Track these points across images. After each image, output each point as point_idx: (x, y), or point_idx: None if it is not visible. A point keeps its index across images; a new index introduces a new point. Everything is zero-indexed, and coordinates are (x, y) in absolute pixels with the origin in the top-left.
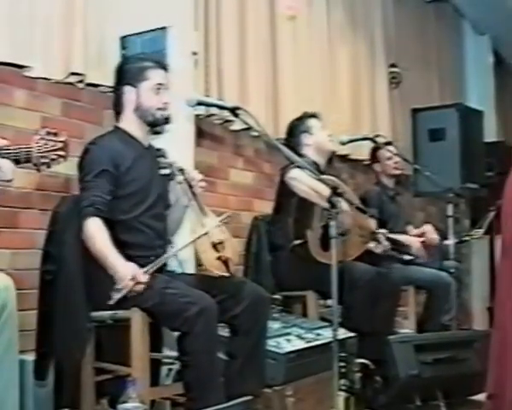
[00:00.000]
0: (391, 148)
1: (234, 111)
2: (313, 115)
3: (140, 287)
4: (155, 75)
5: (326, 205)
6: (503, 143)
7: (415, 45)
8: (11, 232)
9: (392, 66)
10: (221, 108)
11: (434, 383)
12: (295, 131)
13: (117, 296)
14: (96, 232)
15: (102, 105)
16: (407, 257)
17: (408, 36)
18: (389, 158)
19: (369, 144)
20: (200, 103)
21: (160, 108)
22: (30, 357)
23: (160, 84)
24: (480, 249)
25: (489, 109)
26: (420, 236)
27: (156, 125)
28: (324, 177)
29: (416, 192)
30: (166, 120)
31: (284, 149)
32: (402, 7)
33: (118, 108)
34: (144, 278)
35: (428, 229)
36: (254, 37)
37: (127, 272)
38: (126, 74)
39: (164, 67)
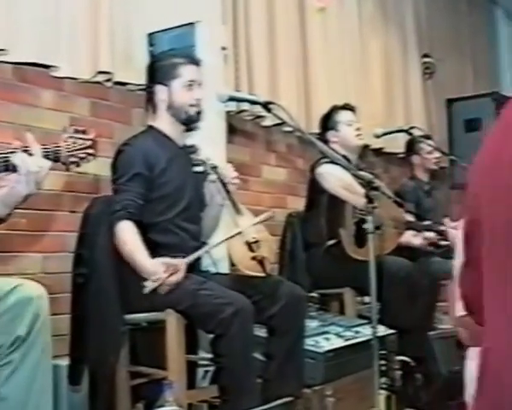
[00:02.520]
0: (431, 141)
1: (266, 106)
2: (344, 107)
3: (178, 275)
4: (187, 71)
5: (356, 202)
6: None
7: (447, 34)
8: (42, 236)
9: (426, 56)
10: (253, 103)
11: None
12: (323, 127)
13: (151, 286)
14: (128, 235)
15: (131, 104)
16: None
17: (440, 25)
18: (430, 152)
19: (403, 137)
20: (231, 99)
21: (192, 105)
22: (64, 362)
23: (191, 80)
24: None
25: None
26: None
27: (190, 122)
28: (358, 172)
29: (453, 184)
30: (199, 116)
31: (318, 144)
32: None
33: (150, 108)
34: (182, 264)
35: None
36: (284, 29)
37: (159, 267)
38: (157, 73)
39: (195, 62)
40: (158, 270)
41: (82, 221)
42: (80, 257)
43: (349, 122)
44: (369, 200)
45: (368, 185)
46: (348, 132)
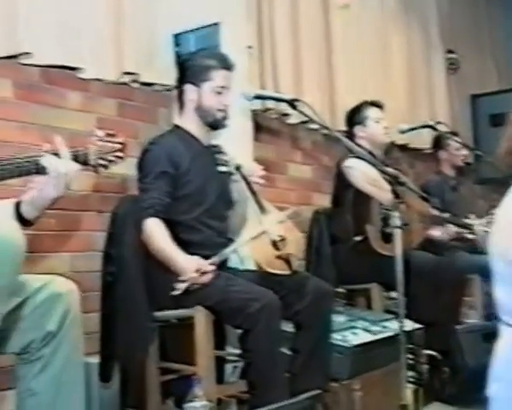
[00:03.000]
0: (458, 138)
1: (292, 103)
2: (372, 103)
3: (207, 277)
4: (219, 76)
5: (382, 198)
6: None
7: (469, 30)
8: (70, 235)
9: (450, 52)
10: (279, 100)
11: None
12: (350, 121)
13: (181, 287)
14: (156, 231)
15: (157, 104)
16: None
17: (464, 21)
18: (458, 149)
19: (428, 133)
20: (257, 97)
21: (220, 110)
22: (94, 359)
23: (222, 86)
24: None
25: None
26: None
27: (215, 126)
28: (384, 168)
29: (478, 179)
30: (224, 121)
31: (344, 139)
32: None
33: (178, 105)
34: (211, 268)
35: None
36: (308, 27)
37: (191, 264)
38: (189, 72)
39: (228, 67)
40: (189, 267)
41: (110, 221)
42: (109, 256)
43: (377, 119)
44: (396, 195)
45: (394, 180)
46: (376, 129)
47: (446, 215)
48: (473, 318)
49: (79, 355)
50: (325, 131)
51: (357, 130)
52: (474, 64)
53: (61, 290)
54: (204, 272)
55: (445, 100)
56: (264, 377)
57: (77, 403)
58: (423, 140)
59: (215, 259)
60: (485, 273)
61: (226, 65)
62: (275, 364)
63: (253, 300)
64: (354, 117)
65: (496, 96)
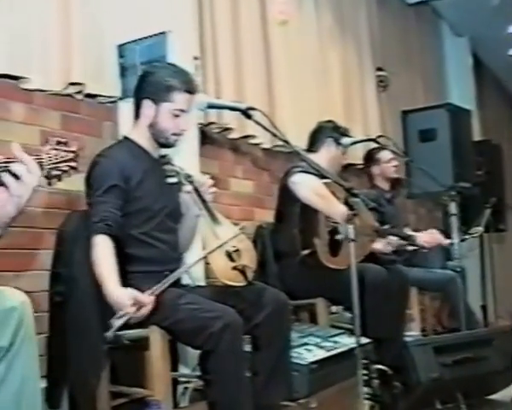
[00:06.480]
0: (389, 151)
1: (246, 112)
2: (343, 130)
3: (146, 310)
4: (180, 99)
5: (331, 211)
6: (489, 142)
7: (398, 48)
8: (15, 254)
9: (379, 69)
10: (233, 109)
11: (454, 385)
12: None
13: (118, 323)
14: (102, 255)
15: (102, 117)
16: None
17: (392, 39)
18: (389, 160)
19: (361, 147)
20: (210, 106)
21: (175, 134)
22: (41, 384)
23: (182, 110)
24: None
25: (472, 109)
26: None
27: (166, 146)
28: (339, 180)
29: (410, 194)
30: (176, 143)
31: (302, 153)
32: (386, 10)
33: (134, 115)
34: (149, 299)
35: (434, 232)
36: (249, 41)
37: (126, 299)
38: (150, 87)
39: (192, 91)
40: (125, 303)
41: (57, 238)
42: (57, 275)
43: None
44: (350, 207)
45: (347, 192)
46: (338, 153)
47: (389, 228)
48: (412, 330)
49: (36, 370)
50: (266, 146)
51: (323, 147)
52: (404, 81)
53: (13, 302)
54: (141, 306)
55: (376, 116)
56: (229, 399)
57: None
58: (355, 155)
59: (155, 288)
60: (423, 286)
61: (190, 88)
62: (240, 385)
63: (214, 318)
64: (324, 134)
65: (425, 111)
